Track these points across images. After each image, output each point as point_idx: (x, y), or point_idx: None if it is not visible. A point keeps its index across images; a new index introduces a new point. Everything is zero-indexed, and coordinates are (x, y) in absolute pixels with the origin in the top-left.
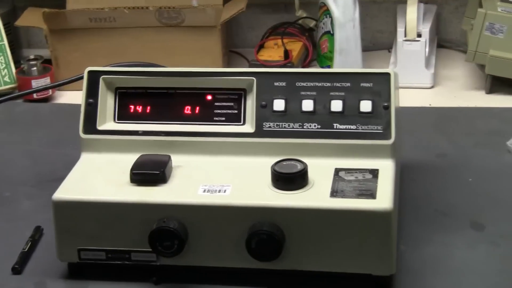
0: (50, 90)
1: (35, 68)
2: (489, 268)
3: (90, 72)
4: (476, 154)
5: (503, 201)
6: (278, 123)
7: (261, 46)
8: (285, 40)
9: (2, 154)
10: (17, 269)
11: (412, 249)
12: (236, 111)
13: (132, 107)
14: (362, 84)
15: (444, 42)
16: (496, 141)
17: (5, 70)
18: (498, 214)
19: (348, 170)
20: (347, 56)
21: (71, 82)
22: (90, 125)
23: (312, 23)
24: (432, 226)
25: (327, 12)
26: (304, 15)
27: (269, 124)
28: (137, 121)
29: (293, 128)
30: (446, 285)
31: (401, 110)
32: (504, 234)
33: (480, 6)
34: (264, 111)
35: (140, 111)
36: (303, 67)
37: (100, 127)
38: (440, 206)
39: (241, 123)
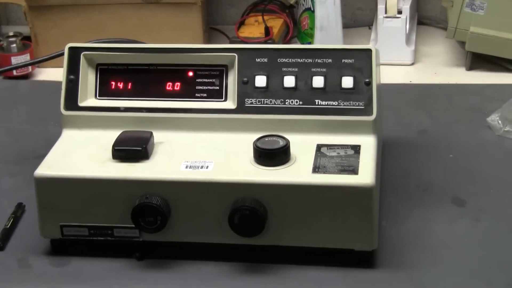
0: (30, 67)
1: (14, 45)
2: (470, 242)
3: (70, 49)
4: (457, 130)
5: (483, 176)
6: (260, 99)
7: (241, 23)
8: (265, 17)
9: None
10: (0, 246)
11: (393, 224)
12: (217, 88)
13: (113, 83)
14: (343, 60)
15: (424, 19)
16: (477, 118)
17: None
18: (479, 189)
19: (330, 146)
20: (328, 33)
21: (52, 59)
22: (71, 102)
23: (292, 0)
24: (413, 202)
25: None
26: None
27: (251, 100)
28: (119, 98)
29: (275, 104)
30: (426, 259)
31: (382, 87)
32: (485, 209)
33: None
34: (245, 87)
35: (121, 87)
36: (284, 44)
37: (82, 104)
38: (421, 182)
39: (223, 99)
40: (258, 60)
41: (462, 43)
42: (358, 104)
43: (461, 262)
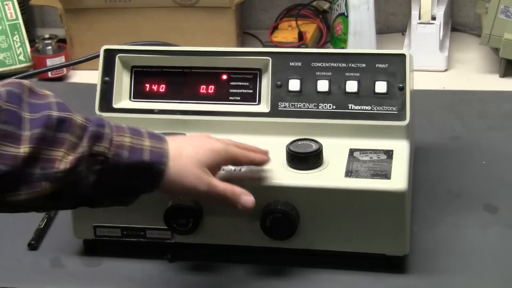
0: (65, 69)
1: (50, 47)
2: (502, 250)
3: (106, 51)
4: (490, 137)
5: None
6: (293, 103)
7: (275, 28)
8: (299, 22)
9: None
10: (33, 245)
11: (425, 230)
12: (251, 91)
13: (147, 85)
14: (377, 65)
15: (458, 25)
16: (510, 124)
17: (20, 49)
18: (511, 197)
19: (363, 151)
20: (361, 39)
21: (87, 61)
22: (106, 103)
23: (326, 5)
24: (445, 207)
25: None
26: None
27: (284, 104)
28: (153, 100)
29: (308, 108)
30: (458, 266)
31: (415, 93)
32: None
33: None
34: (279, 91)
35: (155, 89)
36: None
37: (116, 105)
38: (453, 188)
39: (256, 102)
40: (292, 64)
41: (496, 50)
42: (391, 109)
43: (493, 269)
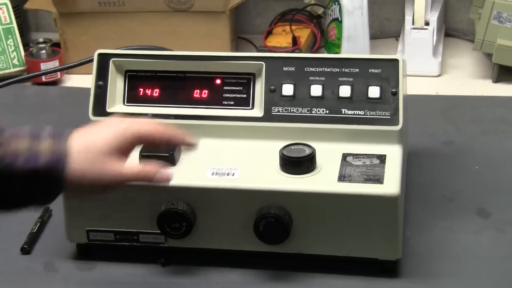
0: (59, 73)
1: (44, 51)
2: (495, 254)
3: (100, 55)
4: (483, 142)
5: (509, 188)
6: (286, 108)
7: (269, 33)
8: (293, 27)
9: None
10: (26, 249)
11: (417, 234)
12: (245, 95)
13: (141, 90)
14: (370, 70)
15: (451, 30)
16: (503, 130)
17: (14, 52)
18: (504, 201)
19: (356, 155)
20: (355, 43)
21: (81, 65)
22: (100, 108)
23: (320, 10)
24: (438, 212)
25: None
26: (313, 2)
27: (278, 108)
28: (146, 104)
29: (301, 112)
30: (450, 270)
31: (408, 98)
32: (510, 221)
33: None
34: (272, 95)
35: (149, 94)
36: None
37: (110, 110)
38: (446, 193)
39: (250, 107)
40: (285, 68)
41: (489, 55)
42: (385, 114)
43: (485, 273)
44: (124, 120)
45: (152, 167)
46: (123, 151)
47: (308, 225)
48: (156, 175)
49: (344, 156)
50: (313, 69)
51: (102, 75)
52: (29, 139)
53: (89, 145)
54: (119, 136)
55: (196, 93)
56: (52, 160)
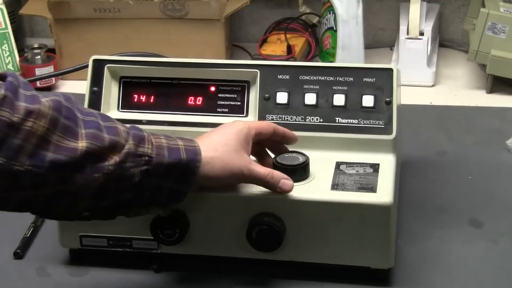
0: (54, 79)
1: (39, 57)
2: (486, 264)
3: (95, 61)
4: (476, 152)
5: (501, 199)
6: (280, 116)
7: (264, 41)
8: (288, 36)
9: None
10: (19, 254)
11: (410, 243)
12: (239, 103)
13: (136, 96)
14: (364, 79)
15: (446, 41)
16: (496, 140)
17: (9, 58)
18: (497, 212)
19: (349, 164)
20: (350, 53)
21: (76, 71)
22: None
23: (315, 19)
24: (430, 222)
25: (331, 9)
26: (308, 11)
27: (272, 116)
28: (141, 111)
29: (295, 121)
30: (442, 279)
31: (402, 107)
32: (502, 232)
33: (483, 6)
34: (267, 103)
35: (144, 100)
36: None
37: None
38: (439, 203)
39: (244, 114)
40: (280, 77)
41: (483, 66)
42: (378, 123)
43: (477, 283)
44: (240, 120)
45: (279, 175)
46: (247, 147)
47: (301, 233)
48: (280, 183)
49: (338, 164)
50: (308, 78)
51: (96, 81)
52: (165, 137)
53: (216, 142)
54: (245, 131)
55: (191, 100)
56: (190, 153)
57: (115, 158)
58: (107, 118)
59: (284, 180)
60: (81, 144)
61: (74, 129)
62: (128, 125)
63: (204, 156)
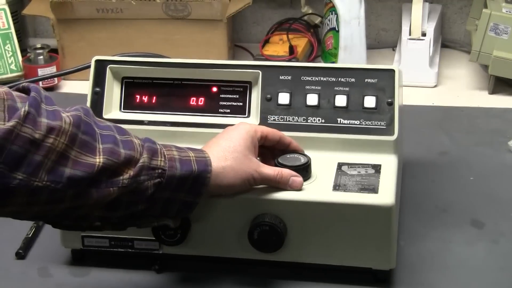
0: (56, 79)
1: (41, 57)
2: (488, 265)
3: (97, 61)
4: (478, 153)
5: (503, 200)
6: (282, 116)
7: (266, 41)
8: (290, 36)
9: None
10: (21, 254)
11: (411, 244)
12: (241, 104)
13: (138, 97)
14: (366, 80)
15: (448, 42)
16: (498, 141)
17: (12, 58)
18: (498, 212)
19: (351, 165)
20: (352, 53)
21: (78, 71)
22: (96, 114)
23: (317, 20)
24: (432, 222)
25: (333, 9)
26: (310, 11)
27: (274, 117)
28: (143, 111)
29: (297, 121)
30: (444, 280)
31: (404, 108)
32: (504, 233)
33: (485, 6)
34: (269, 104)
35: (146, 101)
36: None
37: (106, 116)
38: (440, 203)
39: (246, 115)
40: (281, 77)
41: (485, 67)
42: (380, 123)
43: (478, 283)
44: (246, 123)
45: (288, 173)
46: (254, 149)
47: (302, 234)
48: (290, 181)
49: (339, 165)
50: (310, 78)
51: (99, 82)
52: (176, 149)
53: (225, 149)
54: (252, 134)
55: (193, 101)
56: (201, 165)
57: (130, 172)
58: (123, 132)
59: (294, 177)
60: (98, 160)
61: (92, 144)
62: (141, 138)
63: (215, 167)
